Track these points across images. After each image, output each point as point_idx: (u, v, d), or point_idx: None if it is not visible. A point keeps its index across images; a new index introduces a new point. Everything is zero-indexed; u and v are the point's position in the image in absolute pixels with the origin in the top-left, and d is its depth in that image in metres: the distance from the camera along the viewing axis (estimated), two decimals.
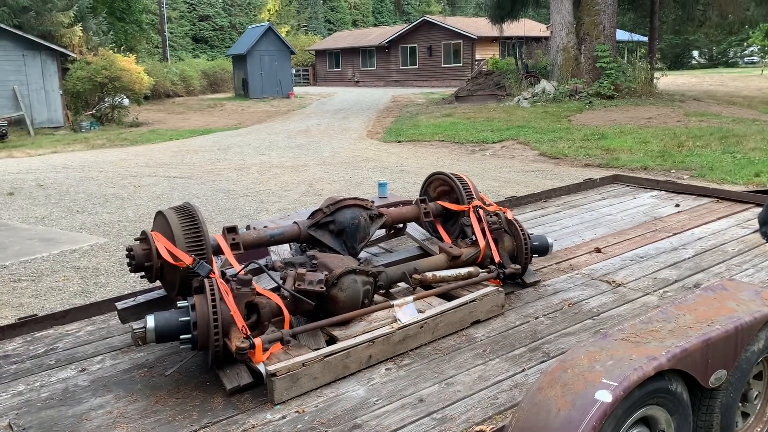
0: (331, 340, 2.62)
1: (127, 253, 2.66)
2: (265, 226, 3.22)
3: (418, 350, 2.68)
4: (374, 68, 44.30)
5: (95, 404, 2.35)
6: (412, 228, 3.69)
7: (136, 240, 2.71)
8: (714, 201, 5.10)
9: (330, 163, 13.14)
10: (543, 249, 3.46)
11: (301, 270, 2.68)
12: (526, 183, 10.14)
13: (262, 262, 2.96)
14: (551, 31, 22.15)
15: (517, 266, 3.26)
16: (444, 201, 3.57)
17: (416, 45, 41.06)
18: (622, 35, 28.32)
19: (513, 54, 26.37)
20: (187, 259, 2.53)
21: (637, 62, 22.84)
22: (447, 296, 3.03)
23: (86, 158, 14.93)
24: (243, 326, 2.40)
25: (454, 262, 3.24)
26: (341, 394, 2.35)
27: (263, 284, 2.72)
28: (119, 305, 2.84)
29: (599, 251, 3.93)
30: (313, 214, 3.17)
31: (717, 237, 4.14)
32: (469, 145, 14.97)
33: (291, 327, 2.58)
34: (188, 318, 2.40)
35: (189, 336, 2.39)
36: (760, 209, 4.31)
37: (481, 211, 3.41)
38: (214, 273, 2.53)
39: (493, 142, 14.85)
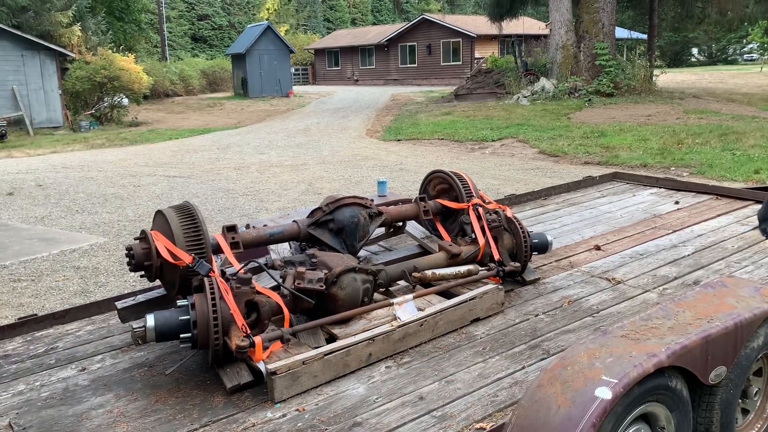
0: (331, 339, 2.63)
1: (126, 252, 2.66)
2: (265, 225, 3.22)
3: (418, 348, 2.68)
4: (373, 67, 44.28)
5: (95, 403, 2.35)
6: (412, 226, 3.69)
7: (135, 239, 2.71)
8: (713, 198, 5.10)
9: (329, 161, 13.14)
10: (542, 247, 3.46)
11: (301, 268, 2.68)
12: (526, 181, 10.15)
13: (261, 260, 2.96)
14: (550, 29, 22.13)
15: (517, 264, 3.26)
16: (443, 199, 3.57)
17: (415, 43, 41.04)
18: (621, 33, 28.30)
19: (512, 52, 26.34)
20: (186, 258, 2.53)
21: (637, 60, 22.82)
22: (447, 294, 3.03)
23: (86, 158, 14.93)
24: (243, 325, 2.40)
25: (453, 260, 3.24)
26: (341, 392, 2.35)
27: (263, 283, 2.72)
28: (119, 304, 2.84)
29: (599, 249, 3.94)
30: (312, 212, 3.17)
31: (716, 234, 4.14)
32: (469, 143, 14.97)
33: (291, 325, 2.58)
34: (188, 317, 2.40)
35: (189, 335, 2.39)
36: (759, 206, 4.31)
37: (480, 209, 3.41)
38: (213, 272, 2.53)
39: (493, 141, 14.85)
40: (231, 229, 2.85)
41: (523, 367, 2.48)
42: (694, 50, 55.38)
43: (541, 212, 4.95)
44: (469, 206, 3.42)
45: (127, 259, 2.66)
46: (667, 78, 24.86)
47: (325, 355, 2.41)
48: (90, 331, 3.05)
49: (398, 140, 16.31)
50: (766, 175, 9.57)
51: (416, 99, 27.77)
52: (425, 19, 40.73)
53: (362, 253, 3.41)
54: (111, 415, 2.26)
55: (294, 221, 3.14)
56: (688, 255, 3.75)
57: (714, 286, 2.61)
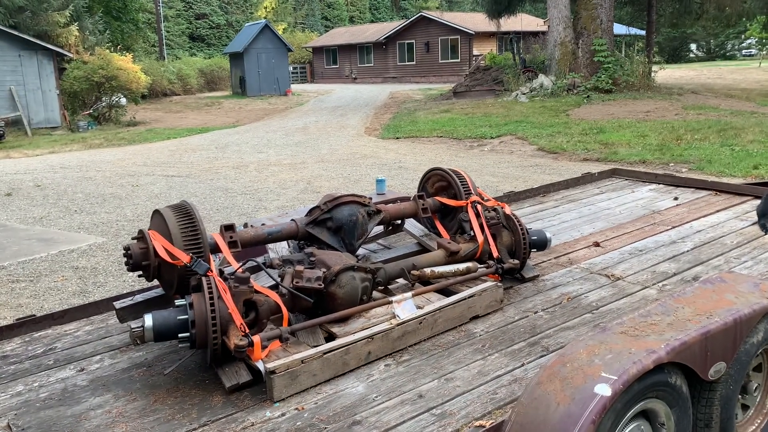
0: (330, 337, 2.62)
1: (124, 252, 2.65)
2: (263, 224, 3.21)
3: (417, 346, 2.67)
4: (372, 65, 44.24)
5: (94, 404, 2.34)
6: (411, 224, 3.68)
7: (133, 239, 2.70)
8: (712, 194, 5.10)
9: (328, 160, 13.12)
10: (541, 244, 3.46)
11: (299, 267, 2.67)
12: (525, 178, 10.14)
13: (260, 259, 2.96)
14: (548, 26, 22.11)
15: (516, 261, 3.26)
16: (442, 197, 3.57)
17: (413, 41, 41.00)
18: (619, 29, 28.30)
19: (510, 49, 26.32)
20: (184, 258, 2.53)
21: (635, 56, 22.80)
22: (446, 292, 3.02)
23: (84, 158, 14.91)
24: (241, 324, 2.40)
25: (452, 257, 3.23)
26: (340, 390, 2.34)
27: (261, 282, 2.71)
28: (117, 304, 2.83)
29: (598, 245, 3.93)
30: (310, 211, 3.17)
31: (716, 230, 4.13)
32: (468, 140, 14.96)
33: (289, 324, 2.57)
34: (186, 316, 2.39)
35: (187, 334, 2.38)
36: (758, 201, 4.31)
37: (479, 207, 3.40)
38: (211, 271, 2.52)
39: (492, 138, 14.84)
40: (229, 228, 2.85)
41: (523, 365, 2.47)
42: (693, 46, 55.37)
43: (540, 209, 4.95)
44: (467, 204, 3.41)
45: (125, 259, 2.65)
46: (665, 74, 24.85)
47: (324, 353, 2.40)
48: (88, 331, 3.05)
49: (397, 138, 16.30)
50: (765, 170, 9.57)
51: (415, 97, 27.75)
52: (423, 16, 40.69)
53: (361, 251, 3.41)
54: (110, 416, 2.25)
55: (292, 220, 3.14)
56: (688, 251, 3.75)
57: (713, 282, 2.60)
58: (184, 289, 2.60)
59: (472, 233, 3.33)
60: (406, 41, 41.49)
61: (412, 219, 3.62)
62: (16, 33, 20.48)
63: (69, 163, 14.13)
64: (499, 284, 3.05)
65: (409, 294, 2.89)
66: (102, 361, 2.71)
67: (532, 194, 5.41)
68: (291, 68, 41.21)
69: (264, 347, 2.41)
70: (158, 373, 2.56)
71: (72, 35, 22.52)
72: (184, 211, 2.68)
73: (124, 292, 4.10)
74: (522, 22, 29.75)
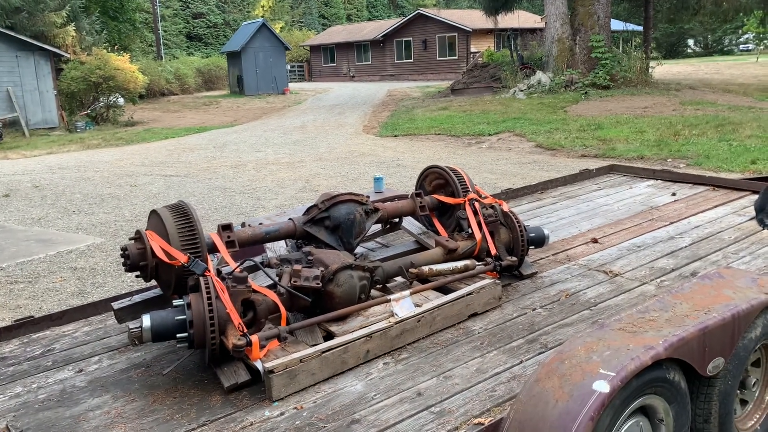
0: (329, 336, 2.62)
1: (121, 252, 2.65)
2: (261, 224, 3.21)
3: (416, 344, 2.67)
4: (369, 63, 44.21)
5: (93, 405, 2.34)
6: (409, 222, 3.68)
7: (130, 239, 2.70)
8: (710, 189, 5.10)
9: (326, 158, 13.12)
10: (539, 240, 3.46)
11: (297, 266, 2.67)
12: (523, 175, 10.14)
13: (258, 259, 2.95)
14: (546, 22, 22.10)
15: (514, 258, 3.26)
16: (440, 194, 3.57)
17: (411, 38, 40.96)
18: (616, 25, 28.24)
19: (508, 46, 26.27)
20: (181, 258, 2.52)
21: (633, 52, 22.79)
22: (444, 290, 3.02)
23: (82, 158, 14.89)
24: (239, 324, 2.40)
25: (450, 255, 3.23)
26: (339, 389, 2.34)
27: (259, 281, 2.71)
28: (115, 305, 2.83)
29: (596, 241, 3.93)
30: (308, 210, 3.16)
31: (714, 225, 4.14)
32: (466, 138, 14.96)
33: (288, 323, 2.57)
34: (184, 316, 2.39)
35: (185, 335, 2.38)
36: (756, 196, 4.31)
37: (476, 204, 3.40)
38: (209, 271, 2.52)
39: (490, 135, 14.84)
40: (226, 227, 2.84)
41: (521, 362, 2.47)
42: (690, 41, 55.35)
43: (538, 206, 4.95)
44: (465, 201, 3.41)
45: (123, 260, 2.65)
46: (663, 69, 24.85)
47: (323, 352, 2.40)
48: (87, 332, 3.05)
49: (395, 136, 16.29)
50: (762, 165, 9.57)
51: (412, 94, 27.73)
52: (420, 14, 40.66)
53: (359, 249, 3.41)
54: (108, 417, 2.25)
55: (290, 219, 3.13)
56: (686, 246, 3.75)
57: (711, 277, 2.60)
58: (181, 289, 2.60)
59: (470, 231, 3.33)
60: (404, 39, 41.45)
61: (410, 217, 3.62)
62: (12, 34, 20.43)
63: (67, 163, 14.11)
64: (498, 281, 3.05)
65: (408, 292, 2.89)
66: (100, 362, 2.70)
67: (529, 191, 5.41)
68: (288, 67, 41.16)
69: (262, 347, 2.41)
70: (157, 373, 2.56)
71: (69, 35, 22.47)
72: (181, 211, 2.68)
73: (123, 292, 4.10)
74: (519, 18, 29.71)
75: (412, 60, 41.33)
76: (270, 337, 2.47)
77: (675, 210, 4.55)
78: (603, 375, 1.94)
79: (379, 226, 3.57)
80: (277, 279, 2.68)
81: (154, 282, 2.81)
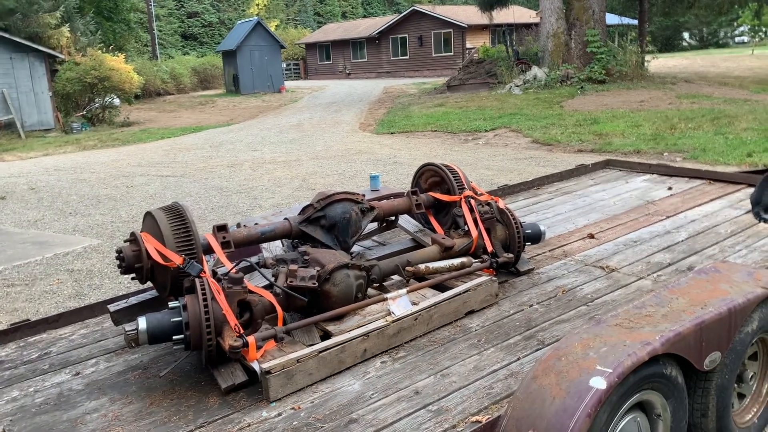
0: (326, 336, 2.62)
1: (116, 255, 2.64)
2: (256, 224, 3.20)
3: (413, 342, 2.67)
4: (365, 60, 44.14)
5: (90, 408, 2.34)
6: (405, 220, 3.68)
7: (125, 241, 2.69)
8: (706, 183, 5.10)
9: (323, 157, 13.10)
10: (536, 237, 3.46)
11: (293, 266, 2.67)
12: (520, 171, 10.14)
13: (253, 259, 2.95)
14: (541, 17, 22.07)
15: (510, 255, 3.25)
16: (435, 192, 3.56)
17: (406, 35, 40.90)
18: (611, 19, 28.24)
19: (503, 41, 26.25)
20: (177, 260, 2.52)
21: (628, 46, 22.80)
22: (441, 287, 3.02)
23: (78, 160, 14.86)
24: (236, 325, 2.39)
25: (447, 253, 3.23)
26: (337, 389, 2.34)
27: (256, 282, 2.71)
28: (112, 307, 2.83)
29: (592, 237, 3.93)
30: (303, 209, 3.16)
31: (710, 219, 4.14)
32: (462, 134, 14.95)
33: (284, 324, 2.57)
34: (180, 318, 2.38)
35: (182, 336, 2.38)
36: (752, 189, 4.31)
37: (472, 201, 3.40)
38: (204, 272, 2.51)
39: (486, 131, 14.83)
40: (222, 228, 2.84)
41: (518, 359, 2.47)
42: (686, 34, 55.32)
43: (534, 202, 4.95)
44: (461, 198, 3.41)
45: (118, 262, 2.64)
46: (658, 63, 24.83)
47: (320, 352, 2.40)
48: (84, 335, 3.04)
49: (391, 133, 16.27)
50: (758, 158, 9.58)
51: (409, 91, 27.70)
52: (416, 10, 40.57)
53: (356, 248, 3.40)
54: (106, 420, 2.25)
55: (285, 219, 3.12)
56: (682, 241, 3.75)
57: (707, 271, 2.60)
58: (177, 290, 2.59)
59: (466, 228, 3.33)
60: (399, 36, 41.38)
61: (406, 215, 3.62)
62: (6, 36, 20.36)
63: (63, 165, 14.08)
64: (494, 278, 3.05)
65: (404, 290, 2.89)
66: (97, 365, 2.70)
67: (526, 187, 5.41)
68: (284, 65, 41.11)
69: (259, 347, 2.41)
70: (154, 375, 2.56)
71: (63, 36, 22.38)
72: (176, 213, 2.67)
73: (120, 293, 4.09)
74: (514, 14, 29.68)
75: (407, 57, 41.27)
76: (267, 337, 2.46)
77: (671, 204, 4.55)
78: (600, 371, 1.94)
79: (375, 225, 3.57)
80: (273, 279, 2.67)
81: (150, 284, 2.81)
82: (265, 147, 15.14)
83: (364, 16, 59.48)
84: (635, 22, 28.49)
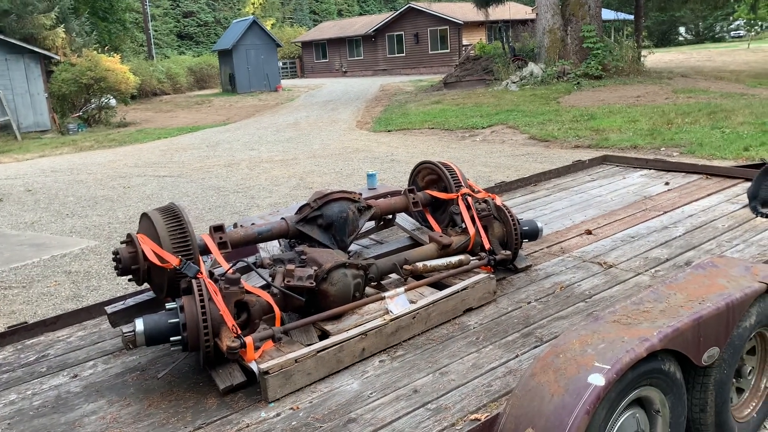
0: (324, 335, 2.61)
1: (113, 256, 2.63)
2: (253, 224, 3.19)
3: (412, 341, 2.67)
4: (361, 58, 44.10)
5: (88, 410, 2.33)
6: (402, 218, 3.67)
7: (122, 243, 2.68)
8: (703, 177, 5.11)
9: (320, 155, 13.09)
10: (533, 233, 3.45)
11: (290, 266, 2.66)
12: (517, 167, 10.14)
13: (250, 259, 2.94)
14: (537, 13, 22.07)
15: (508, 252, 3.25)
16: (432, 190, 3.56)
17: (402, 33, 40.86)
18: (607, 14, 28.24)
19: (500, 38, 26.23)
20: (173, 261, 2.51)
21: (624, 41, 22.78)
22: (438, 285, 3.02)
23: (74, 161, 14.83)
24: (233, 325, 2.39)
25: (444, 251, 3.23)
26: (335, 388, 2.34)
27: (253, 282, 2.70)
28: (109, 309, 2.82)
29: (590, 233, 3.93)
30: (300, 209, 3.15)
31: (707, 213, 4.14)
32: (459, 131, 14.94)
33: (282, 324, 2.56)
34: (177, 319, 2.38)
35: (179, 338, 2.37)
36: (749, 184, 4.31)
37: (469, 199, 3.39)
38: (201, 273, 2.50)
39: (483, 128, 14.82)
40: (218, 228, 2.83)
41: (517, 356, 2.47)
42: (682, 29, 55.34)
43: (532, 198, 4.94)
44: (458, 196, 3.40)
45: (114, 264, 2.64)
46: (655, 58, 24.86)
47: (318, 352, 2.40)
48: (81, 337, 3.03)
49: (388, 131, 16.26)
50: (755, 152, 9.59)
51: (405, 89, 27.69)
52: (412, 7, 40.53)
53: (353, 247, 3.40)
54: (104, 422, 2.24)
55: (282, 218, 3.12)
56: (680, 236, 3.75)
57: (705, 267, 2.60)
58: (174, 292, 2.58)
59: (464, 226, 3.32)
60: (395, 33, 41.34)
61: (403, 213, 3.61)
62: (1, 37, 20.30)
63: (60, 166, 14.05)
64: (492, 276, 3.05)
65: (402, 289, 2.88)
66: (95, 367, 2.69)
67: (523, 184, 5.40)
68: (281, 64, 41.04)
69: (257, 348, 2.40)
70: (152, 377, 2.55)
71: (59, 37, 22.34)
72: (172, 214, 2.66)
73: (118, 295, 4.08)
74: (510, 10, 29.69)
75: (404, 54, 41.23)
76: (264, 337, 2.46)
77: (668, 199, 4.55)
78: (598, 368, 1.94)
79: (372, 223, 3.56)
80: (270, 279, 2.66)
81: (147, 285, 2.80)
82: (262, 146, 15.12)
83: (360, 14, 59.42)
84: (631, 17, 28.50)
